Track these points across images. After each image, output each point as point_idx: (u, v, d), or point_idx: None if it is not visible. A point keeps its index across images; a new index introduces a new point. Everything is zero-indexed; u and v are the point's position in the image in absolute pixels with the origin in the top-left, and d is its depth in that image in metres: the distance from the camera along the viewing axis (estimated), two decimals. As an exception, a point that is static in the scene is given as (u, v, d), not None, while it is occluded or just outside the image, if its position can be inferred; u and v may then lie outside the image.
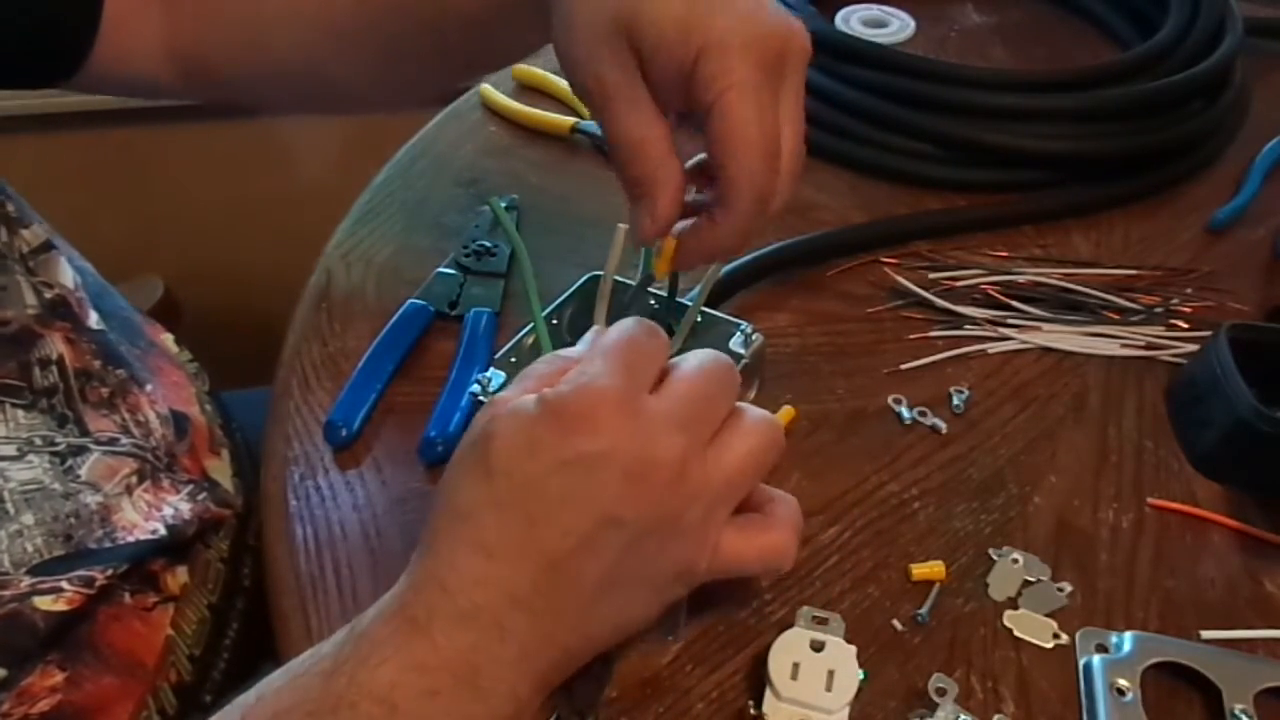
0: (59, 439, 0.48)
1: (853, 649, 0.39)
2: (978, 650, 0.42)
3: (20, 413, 0.47)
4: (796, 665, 0.39)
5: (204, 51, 0.54)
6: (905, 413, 0.52)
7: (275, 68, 0.55)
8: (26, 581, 0.44)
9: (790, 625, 0.40)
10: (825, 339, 0.56)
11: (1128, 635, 0.42)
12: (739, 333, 0.50)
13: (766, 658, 0.39)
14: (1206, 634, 0.43)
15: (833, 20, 0.81)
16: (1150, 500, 0.48)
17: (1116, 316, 0.57)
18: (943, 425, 0.51)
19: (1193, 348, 0.55)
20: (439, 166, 0.69)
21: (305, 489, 0.49)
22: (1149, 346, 0.56)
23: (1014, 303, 0.57)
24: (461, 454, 0.36)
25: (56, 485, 0.47)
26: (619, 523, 0.34)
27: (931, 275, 0.59)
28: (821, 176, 0.67)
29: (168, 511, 0.51)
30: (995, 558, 0.45)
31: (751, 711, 0.39)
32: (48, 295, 0.50)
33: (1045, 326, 0.57)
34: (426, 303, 0.56)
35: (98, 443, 0.49)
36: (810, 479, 0.49)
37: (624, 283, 0.50)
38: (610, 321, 0.47)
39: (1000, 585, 0.44)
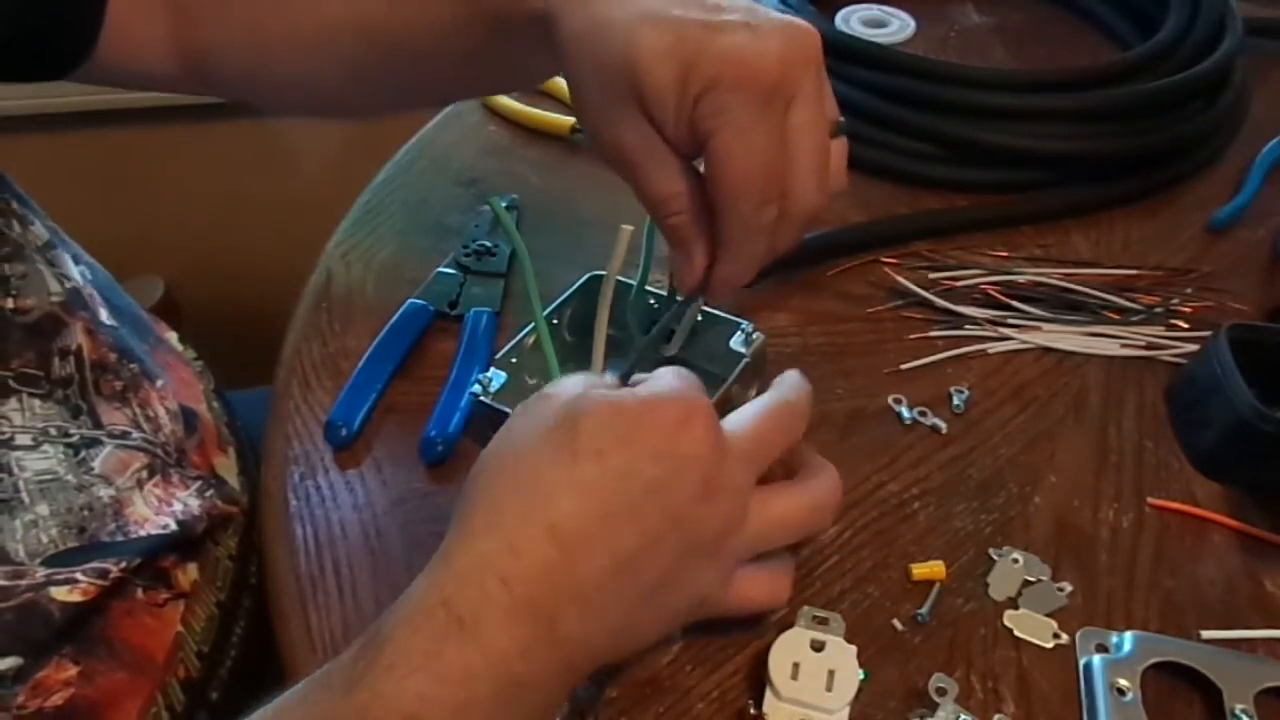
0: (73, 430, 0.48)
1: (853, 649, 0.39)
2: (978, 650, 0.42)
3: (37, 402, 0.47)
4: (797, 665, 0.39)
5: (211, 61, 0.54)
6: (905, 413, 0.52)
7: (279, 83, 0.55)
8: (42, 572, 0.45)
9: (790, 625, 0.40)
10: (825, 339, 0.56)
11: (1128, 635, 0.42)
12: (740, 332, 0.50)
13: (766, 658, 0.39)
14: (1206, 634, 0.43)
15: (833, 20, 0.81)
16: (1150, 500, 0.48)
17: (1116, 316, 0.57)
18: (943, 425, 0.51)
19: (1193, 348, 0.55)
20: (439, 166, 0.69)
21: (305, 489, 0.49)
22: (1149, 346, 0.56)
23: (1014, 303, 0.57)
24: (537, 430, 0.34)
25: (70, 477, 0.47)
26: (685, 526, 0.34)
27: (931, 275, 0.59)
28: (821, 176, 0.67)
29: (178, 507, 0.51)
30: (995, 558, 0.45)
31: (751, 711, 0.39)
32: (68, 285, 0.50)
33: (1045, 326, 0.57)
34: (426, 303, 0.56)
35: (110, 436, 0.49)
36: (810, 479, 0.49)
37: (625, 282, 0.50)
38: (610, 321, 0.47)
39: (1000, 585, 0.44)
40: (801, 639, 0.39)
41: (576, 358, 0.53)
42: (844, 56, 0.68)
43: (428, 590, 0.32)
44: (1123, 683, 0.40)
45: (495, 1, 0.46)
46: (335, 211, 0.65)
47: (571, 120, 0.70)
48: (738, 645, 0.42)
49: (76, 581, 0.45)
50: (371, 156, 0.70)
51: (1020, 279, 0.59)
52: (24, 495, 0.45)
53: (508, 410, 0.46)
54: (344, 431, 0.50)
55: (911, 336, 0.56)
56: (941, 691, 0.39)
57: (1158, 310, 0.57)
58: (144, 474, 0.50)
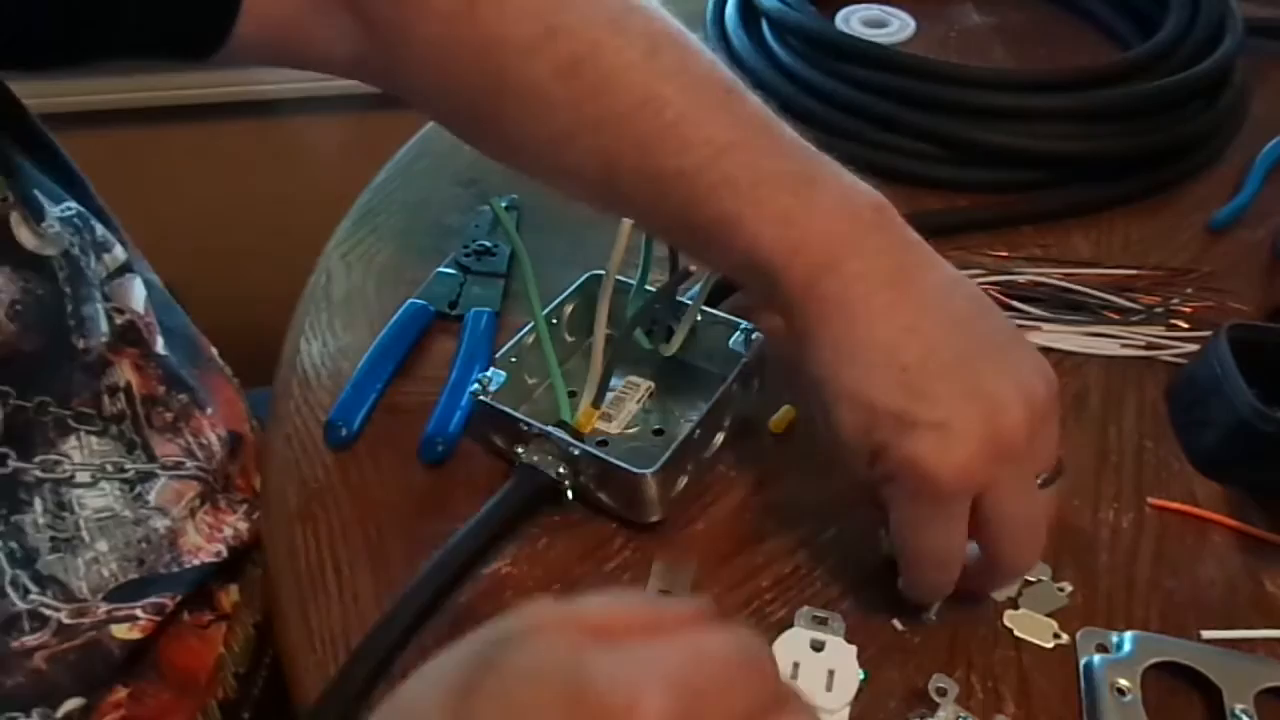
0: (128, 465, 0.48)
1: (853, 649, 0.39)
2: (978, 650, 0.42)
3: (94, 439, 0.47)
4: (796, 665, 0.39)
5: (393, 83, 0.48)
6: (905, 413, 0.52)
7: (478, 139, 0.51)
8: (104, 608, 0.45)
9: (790, 625, 0.40)
10: (825, 339, 0.56)
11: (1128, 635, 0.42)
12: (740, 332, 0.50)
13: (767, 658, 0.39)
14: (1207, 634, 0.43)
15: (833, 20, 0.81)
16: (1150, 500, 0.48)
17: (1116, 316, 0.57)
18: (943, 425, 0.51)
19: (1193, 348, 0.55)
20: (439, 166, 0.69)
21: (305, 489, 0.48)
22: (1149, 346, 0.56)
23: (1014, 303, 0.57)
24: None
25: (127, 512, 0.48)
26: None
27: (932, 275, 0.59)
28: (821, 176, 0.67)
29: (228, 532, 0.52)
30: (995, 558, 0.45)
31: (752, 711, 0.39)
32: (118, 321, 0.49)
33: (1045, 326, 0.57)
34: (426, 302, 0.56)
35: (164, 468, 0.50)
36: (810, 479, 0.49)
37: (625, 282, 0.50)
38: (610, 321, 0.47)
39: (1000, 585, 0.44)
40: (801, 639, 0.39)
41: (576, 357, 0.54)
42: (844, 56, 0.68)
43: None
44: (1123, 683, 0.40)
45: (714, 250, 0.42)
46: (335, 211, 0.65)
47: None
48: (738, 645, 0.42)
49: (136, 619, 0.46)
50: (371, 156, 0.70)
51: (1020, 279, 0.59)
52: (84, 534, 0.46)
53: (508, 410, 0.46)
54: (344, 431, 0.50)
55: (911, 336, 0.56)
56: (941, 692, 0.39)
57: (1158, 310, 0.57)
58: (196, 503, 0.51)
